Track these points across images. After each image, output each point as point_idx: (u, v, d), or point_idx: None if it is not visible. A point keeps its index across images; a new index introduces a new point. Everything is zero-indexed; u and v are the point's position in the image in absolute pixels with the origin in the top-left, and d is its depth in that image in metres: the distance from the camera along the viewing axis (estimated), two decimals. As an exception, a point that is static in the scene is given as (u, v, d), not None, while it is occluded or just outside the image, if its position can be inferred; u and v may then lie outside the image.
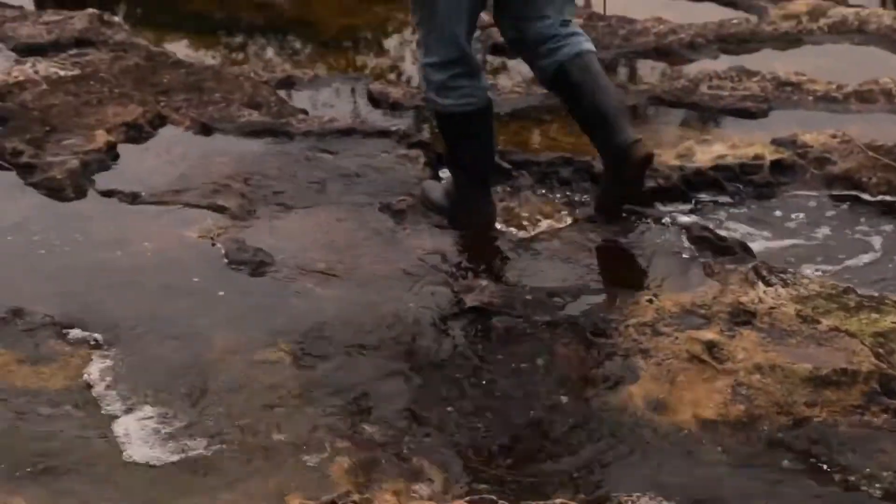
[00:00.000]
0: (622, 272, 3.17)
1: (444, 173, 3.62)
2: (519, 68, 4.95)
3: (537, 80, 3.55)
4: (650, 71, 4.94)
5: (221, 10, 6.06)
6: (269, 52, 5.46)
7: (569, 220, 3.43)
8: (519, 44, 3.35)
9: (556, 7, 3.20)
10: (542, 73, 3.30)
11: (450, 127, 3.30)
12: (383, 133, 4.02)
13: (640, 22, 5.27)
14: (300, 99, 4.55)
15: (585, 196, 3.56)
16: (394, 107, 4.46)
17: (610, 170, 3.25)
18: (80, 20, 4.97)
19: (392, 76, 5.09)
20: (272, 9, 5.99)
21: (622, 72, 4.99)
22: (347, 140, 3.92)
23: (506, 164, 3.70)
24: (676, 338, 2.67)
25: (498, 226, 3.38)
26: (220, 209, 3.44)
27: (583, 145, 3.62)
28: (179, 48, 5.14)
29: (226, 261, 3.14)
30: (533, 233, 3.36)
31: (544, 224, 3.42)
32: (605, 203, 3.38)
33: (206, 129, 4.04)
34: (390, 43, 5.67)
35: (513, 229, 3.39)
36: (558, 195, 3.60)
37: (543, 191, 3.62)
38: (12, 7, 5.34)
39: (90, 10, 5.07)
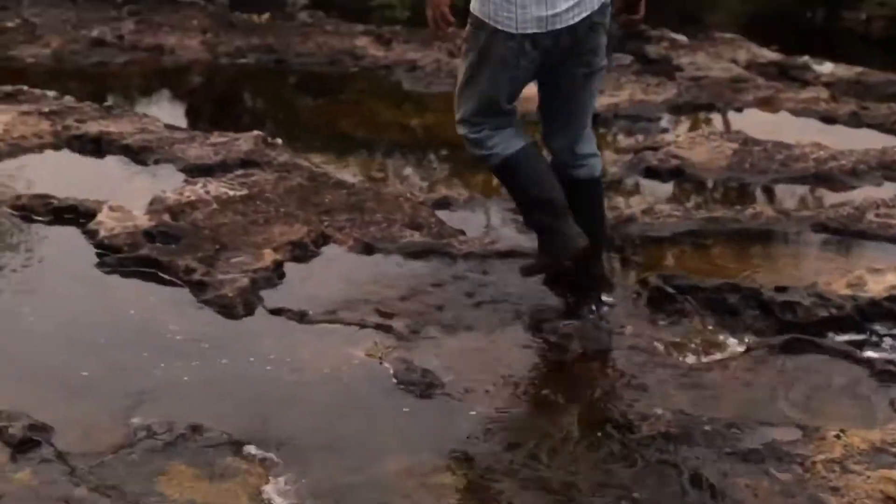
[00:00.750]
0: (803, 405, 3.05)
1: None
2: (675, 191, 4.94)
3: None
4: (811, 198, 4.86)
5: (374, 131, 6.25)
6: (424, 173, 5.58)
7: (740, 349, 3.35)
8: (549, 140, 3.65)
9: (582, 124, 3.53)
10: (558, 173, 3.55)
11: (514, 170, 3.51)
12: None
13: (797, 147, 5.22)
14: (457, 220, 4.59)
15: (756, 324, 3.48)
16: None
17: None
18: (245, 142, 5.15)
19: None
20: (425, 130, 6.15)
21: (781, 197, 4.92)
22: (509, 262, 3.92)
23: (669, 289, 3.65)
24: (868, 476, 2.55)
25: (665, 351, 3.33)
26: (385, 329, 3.47)
27: (747, 269, 3.55)
28: (339, 169, 5.28)
29: (394, 381, 3.15)
30: (704, 360, 3.29)
31: (714, 352, 3.35)
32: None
33: (368, 249, 4.11)
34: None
35: (682, 357, 3.32)
36: (727, 322, 3.52)
37: (711, 318, 3.55)
38: (181, 129, 5.59)
39: (255, 133, 5.26)
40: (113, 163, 5.16)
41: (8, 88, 5.88)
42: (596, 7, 3.26)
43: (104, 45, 8.45)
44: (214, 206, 4.34)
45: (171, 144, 5.22)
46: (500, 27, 3.25)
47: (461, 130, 3.52)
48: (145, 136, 5.32)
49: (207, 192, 4.47)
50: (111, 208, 4.23)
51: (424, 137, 6.06)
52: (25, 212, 4.35)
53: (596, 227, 3.58)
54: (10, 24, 9.06)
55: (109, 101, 6.40)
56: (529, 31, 3.24)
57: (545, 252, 3.57)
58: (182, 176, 4.88)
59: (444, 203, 4.78)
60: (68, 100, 5.85)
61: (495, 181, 5.33)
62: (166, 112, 6.61)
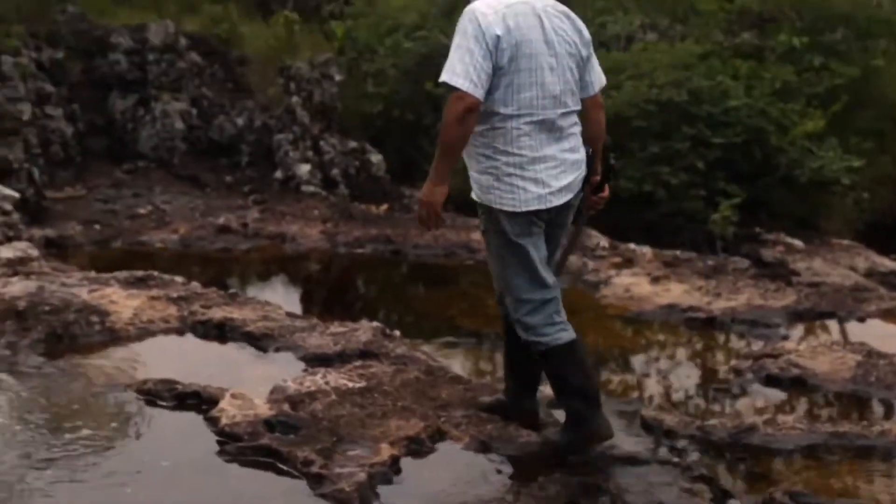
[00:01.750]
0: None
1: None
2: (797, 402, 4.84)
3: None
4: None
5: (489, 325, 6.28)
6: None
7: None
8: None
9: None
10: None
11: (559, 358, 3.92)
12: (664, 463, 3.94)
13: (926, 361, 5.09)
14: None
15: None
16: (668, 434, 4.41)
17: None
18: (364, 332, 5.24)
19: (664, 401, 5.06)
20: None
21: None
22: (629, 468, 3.85)
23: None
24: None
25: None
26: (503, 531, 3.41)
27: (877, 491, 3.42)
28: (455, 363, 5.31)
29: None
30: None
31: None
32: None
33: (484, 448, 4.07)
34: (660, 366, 5.69)
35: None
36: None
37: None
38: (301, 317, 5.72)
39: (374, 324, 5.35)
40: (235, 349, 5.29)
41: (139, 273, 6.13)
42: (573, 193, 3.94)
43: (229, 231, 8.81)
44: (333, 397, 4.39)
45: (292, 333, 5.34)
46: (507, 209, 3.84)
47: (516, 314, 3.94)
48: (267, 324, 5.45)
49: (327, 383, 4.52)
50: (233, 396, 4.30)
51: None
52: (151, 396, 4.47)
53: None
54: (142, 211, 9.53)
55: (233, 287, 6.61)
56: (533, 208, 3.83)
57: (573, 432, 3.97)
58: (302, 364, 4.97)
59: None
60: (195, 285, 6.06)
61: (605, 375, 5.37)
62: (286, 298, 6.80)
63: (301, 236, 8.62)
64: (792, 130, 9.38)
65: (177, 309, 5.65)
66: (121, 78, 11.73)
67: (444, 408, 4.40)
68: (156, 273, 6.19)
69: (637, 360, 5.78)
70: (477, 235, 8.29)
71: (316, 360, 4.96)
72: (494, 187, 3.84)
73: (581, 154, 3.96)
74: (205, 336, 5.44)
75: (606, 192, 4.15)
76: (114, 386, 4.63)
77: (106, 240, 8.62)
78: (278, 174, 10.25)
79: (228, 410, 4.21)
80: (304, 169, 10.10)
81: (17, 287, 5.62)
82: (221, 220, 8.98)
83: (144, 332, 5.38)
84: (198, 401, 4.42)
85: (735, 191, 8.91)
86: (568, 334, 3.91)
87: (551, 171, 3.83)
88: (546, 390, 4.30)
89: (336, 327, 5.41)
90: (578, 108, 3.97)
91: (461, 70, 3.67)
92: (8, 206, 7.43)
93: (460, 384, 4.70)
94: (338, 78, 10.85)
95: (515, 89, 3.78)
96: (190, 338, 5.43)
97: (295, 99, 10.50)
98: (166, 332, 5.45)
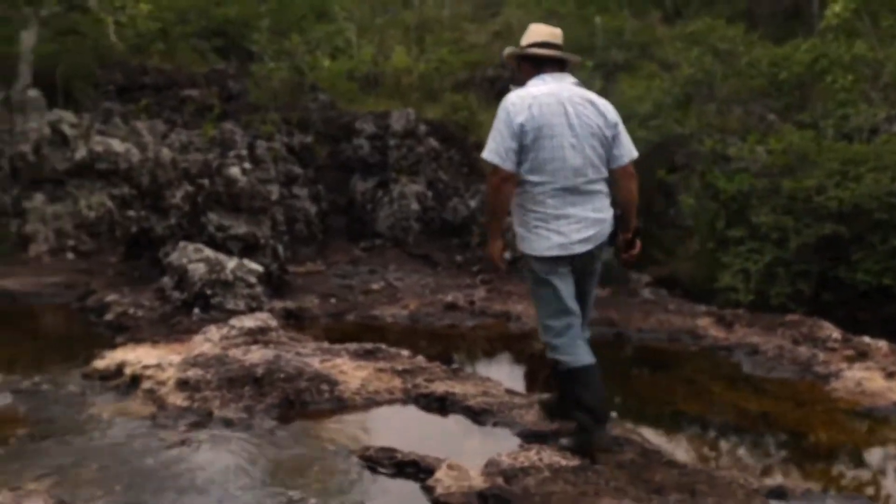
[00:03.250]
0: None
1: None
2: None
3: None
4: None
5: (709, 411, 6.19)
6: (759, 459, 5.42)
7: None
8: None
9: (587, 316, 5.00)
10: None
11: (576, 379, 4.79)
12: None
13: None
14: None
15: None
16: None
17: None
18: (580, 412, 5.26)
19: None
20: (763, 415, 6.02)
21: None
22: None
23: None
24: None
25: None
26: None
27: None
28: (671, 446, 5.26)
29: None
30: None
31: None
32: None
33: (696, 534, 4.01)
34: (875, 458, 5.43)
35: None
36: None
37: None
38: (520, 394, 5.81)
39: (591, 405, 5.37)
40: (455, 422, 5.43)
41: (368, 346, 6.41)
42: (594, 245, 4.81)
43: (456, 308, 9.04)
44: (546, 473, 4.44)
45: (510, 409, 5.44)
46: (535, 254, 4.80)
47: (544, 337, 4.86)
48: (486, 399, 5.58)
49: (541, 459, 4.58)
50: (449, 466, 4.43)
51: (762, 422, 5.93)
52: (372, 462, 4.67)
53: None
54: (375, 286, 9.94)
55: (456, 363, 6.79)
56: (554, 254, 4.76)
57: (580, 439, 4.77)
58: (517, 440, 5.05)
59: (780, 493, 4.61)
60: (419, 359, 6.28)
61: (835, 470, 5.16)
62: (508, 375, 6.91)
63: (526, 315, 8.73)
64: None
65: (401, 381, 5.87)
66: (363, 161, 12.36)
67: (658, 491, 4.38)
68: (383, 346, 6.45)
69: (871, 457, 5.53)
70: (703, 322, 8.21)
71: (532, 437, 5.03)
72: (526, 237, 4.83)
73: (604, 214, 4.84)
74: (426, 408, 5.63)
75: (637, 248, 4.99)
76: (338, 451, 4.87)
77: (340, 313, 9.02)
78: (506, 255, 10.45)
79: (444, 480, 4.34)
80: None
81: (257, 355, 6.00)
82: (450, 298, 9.23)
83: (370, 402, 5.62)
84: (415, 469, 4.58)
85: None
86: (588, 358, 4.79)
87: (573, 226, 4.76)
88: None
89: (554, 406, 5.46)
90: (601, 176, 4.84)
91: (493, 148, 4.76)
92: (252, 280, 7.93)
93: (675, 468, 4.65)
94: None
95: (540, 163, 4.74)
96: (412, 409, 5.63)
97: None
98: (390, 402, 5.67)
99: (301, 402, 5.54)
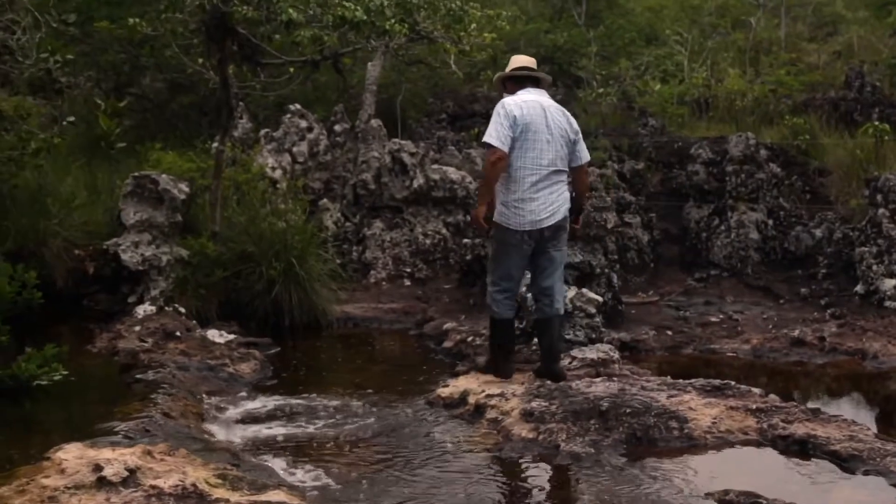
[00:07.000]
0: None
1: None
2: None
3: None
4: None
5: None
6: None
7: None
8: (533, 286, 6.52)
9: (553, 279, 6.29)
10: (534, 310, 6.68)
11: (500, 326, 6.37)
12: None
13: None
14: None
15: None
16: None
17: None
18: None
19: None
20: None
21: None
22: None
23: None
24: None
25: None
26: None
27: None
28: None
29: None
30: None
31: None
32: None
33: None
34: None
35: None
36: None
37: None
38: (893, 441, 5.24)
39: None
40: (818, 467, 4.97)
41: (716, 382, 6.03)
42: (559, 218, 6.14)
43: (804, 345, 8.47)
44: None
45: (883, 456, 4.91)
46: (510, 227, 6.09)
47: (490, 288, 6.33)
48: (854, 444, 5.08)
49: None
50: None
51: None
52: (733, 508, 4.31)
53: (554, 341, 6.32)
54: (713, 319, 9.51)
55: (813, 403, 6.27)
56: (526, 229, 6.07)
57: (492, 367, 6.46)
58: (894, 492, 4.53)
59: None
60: (773, 398, 5.83)
61: None
62: (871, 418, 6.33)
63: (884, 354, 8.01)
64: None
65: (755, 420, 5.46)
66: (698, 188, 11.94)
67: None
68: (733, 383, 6.05)
69: None
70: None
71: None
72: (505, 213, 6.11)
73: (565, 198, 6.20)
74: (785, 451, 5.19)
75: (579, 224, 6.63)
76: (694, 492, 4.56)
77: (677, 346, 8.67)
78: (859, 288, 9.67)
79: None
80: (890, 284, 9.42)
81: (601, 387, 5.81)
82: (796, 333, 8.63)
83: (722, 442, 5.27)
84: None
85: None
86: (511, 314, 6.36)
87: (541, 206, 6.07)
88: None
89: None
90: (566, 169, 6.23)
91: (494, 134, 6.00)
92: (592, 310, 7.74)
93: None
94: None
95: (522, 153, 6.06)
96: (769, 451, 5.21)
97: (881, 211, 9.88)
98: (744, 443, 5.28)
99: (649, 438, 5.27)
